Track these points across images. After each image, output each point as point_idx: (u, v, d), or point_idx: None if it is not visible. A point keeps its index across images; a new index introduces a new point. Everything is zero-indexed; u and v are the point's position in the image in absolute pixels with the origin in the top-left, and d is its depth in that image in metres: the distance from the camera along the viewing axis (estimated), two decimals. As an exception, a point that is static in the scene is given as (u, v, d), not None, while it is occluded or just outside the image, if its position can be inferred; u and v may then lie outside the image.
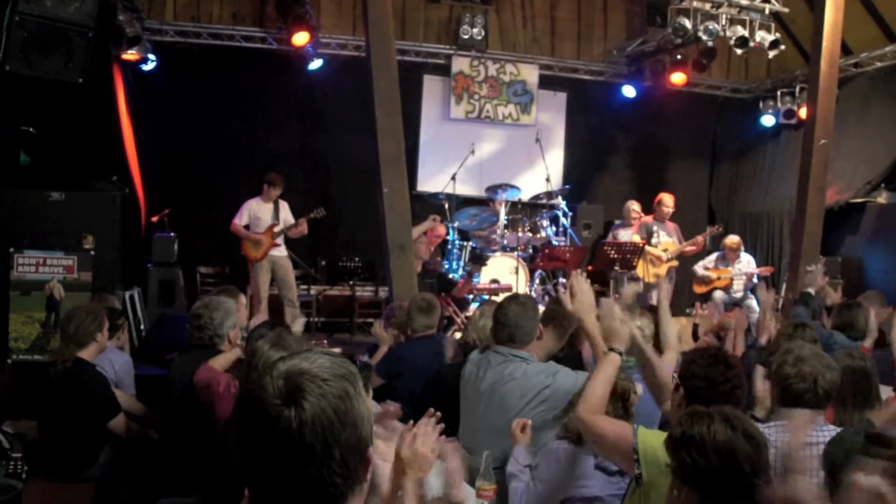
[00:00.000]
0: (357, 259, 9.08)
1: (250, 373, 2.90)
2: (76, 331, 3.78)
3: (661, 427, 2.79)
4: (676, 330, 4.50)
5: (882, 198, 9.12)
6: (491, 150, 9.97)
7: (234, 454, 1.20)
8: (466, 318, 6.65)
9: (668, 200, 8.78)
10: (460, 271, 8.31)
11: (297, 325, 4.50)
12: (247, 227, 7.74)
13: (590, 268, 8.45)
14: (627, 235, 8.78)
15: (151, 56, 8.54)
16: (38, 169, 6.69)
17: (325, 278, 9.27)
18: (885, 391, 3.38)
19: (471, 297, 7.71)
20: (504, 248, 8.41)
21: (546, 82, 10.24)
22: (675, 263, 8.64)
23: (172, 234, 8.01)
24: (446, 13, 9.87)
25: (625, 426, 2.48)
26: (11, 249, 5.58)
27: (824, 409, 2.68)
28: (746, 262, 8.68)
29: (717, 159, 11.34)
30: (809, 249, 7.46)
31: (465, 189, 9.33)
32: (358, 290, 8.97)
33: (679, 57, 9.72)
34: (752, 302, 8.14)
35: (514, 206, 9.13)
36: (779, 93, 10.22)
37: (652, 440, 2.31)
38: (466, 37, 9.64)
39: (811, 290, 5.18)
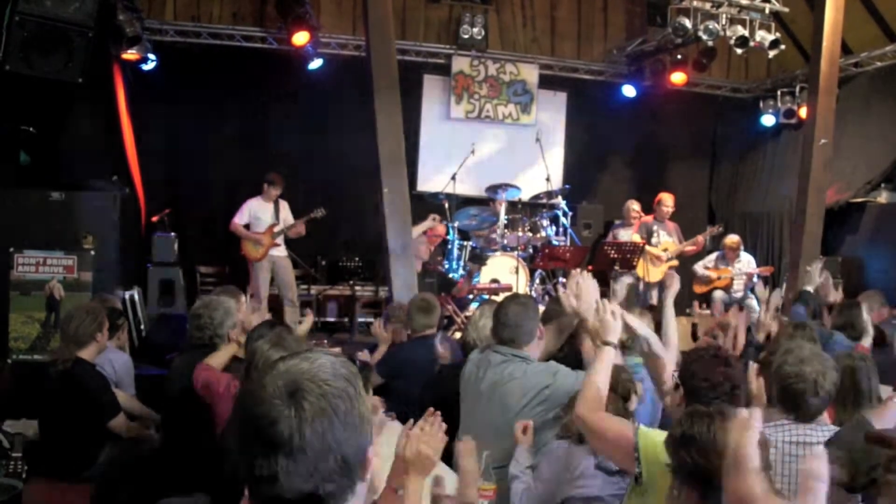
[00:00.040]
0: (357, 259, 9.08)
1: (250, 373, 2.90)
2: (76, 331, 3.79)
3: (662, 427, 2.79)
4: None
5: (882, 198, 9.12)
6: (491, 149, 9.97)
7: (234, 454, 1.20)
8: (466, 317, 6.66)
9: (667, 200, 8.77)
10: (460, 271, 8.31)
11: (306, 323, 4.50)
12: (247, 226, 7.73)
13: (590, 268, 8.44)
14: (627, 235, 8.78)
15: (151, 56, 8.54)
16: (38, 169, 6.69)
17: (325, 278, 9.27)
18: (886, 391, 3.37)
19: (471, 296, 7.71)
20: (504, 248, 8.41)
21: (546, 82, 10.23)
22: (675, 263, 8.64)
23: (172, 234, 8.02)
24: (446, 13, 9.87)
25: (626, 424, 2.47)
26: (11, 249, 5.58)
27: (824, 409, 2.68)
28: (746, 262, 8.68)
29: (717, 159, 11.33)
30: (809, 249, 7.47)
31: (465, 189, 9.33)
32: (358, 290, 8.97)
33: (679, 57, 9.72)
34: (753, 302, 8.14)
35: (514, 206, 9.13)
36: (779, 93, 10.22)
37: (653, 439, 2.31)
38: (466, 36, 9.64)
39: (809, 289, 5.18)
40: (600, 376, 2.56)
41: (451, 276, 8.09)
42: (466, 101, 9.97)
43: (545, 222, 8.76)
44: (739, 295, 8.48)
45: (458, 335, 5.50)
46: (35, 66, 5.89)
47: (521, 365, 3.24)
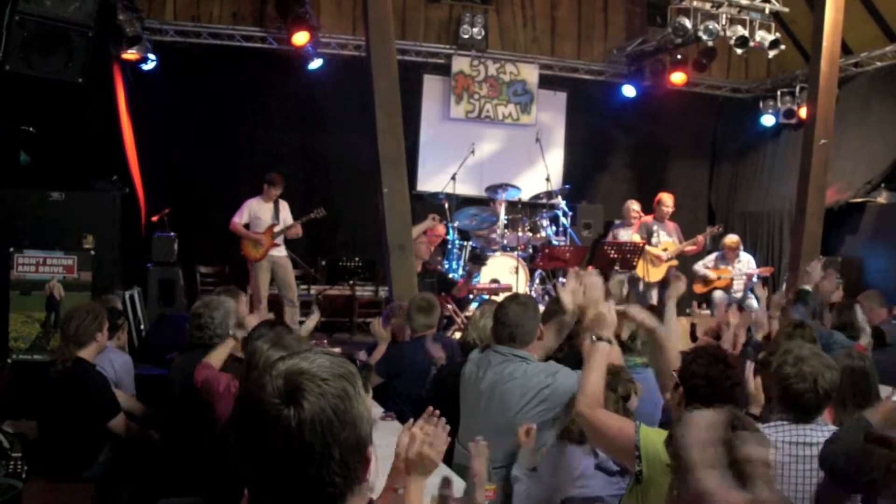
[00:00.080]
0: (357, 259, 9.08)
1: (250, 372, 2.90)
2: (76, 331, 3.78)
3: (662, 426, 2.79)
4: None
5: (882, 198, 9.12)
6: (491, 149, 9.97)
7: (234, 454, 1.20)
8: (466, 317, 6.65)
9: (667, 200, 8.78)
10: (460, 271, 8.31)
11: (312, 320, 4.50)
12: (246, 225, 7.73)
13: (589, 267, 8.44)
14: (627, 235, 8.78)
15: (151, 56, 8.54)
16: (38, 169, 6.69)
17: (325, 278, 9.27)
18: (886, 391, 3.37)
19: (471, 296, 7.71)
20: (504, 248, 8.41)
21: (546, 82, 10.24)
22: (674, 263, 8.64)
23: (172, 233, 8.01)
24: (446, 13, 9.87)
25: (627, 422, 2.47)
26: (11, 249, 5.58)
27: (823, 409, 2.68)
28: (746, 262, 8.68)
29: (717, 159, 11.34)
30: (809, 249, 7.46)
31: (465, 189, 9.33)
32: (358, 290, 8.97)
33: (679, 57, 9.72)
34: (753, 302, 8.14)
35: (514, 206, 9.13)
36: (779, 93, 10.22)
37: (654, 438, 2.31)
38: (466, 36, 9.64)
39: (808, 288, 5.17)
40: (595, 371, 2.55)
41: (451, 276, 8.09)
42: (466, 101, 9.97)
43: (545, 222, 8.76)
44: (739, 295, 8.48)
45: (458, 335, 5.50)
46: (35, 66, 5.89)
47: (521, 365, 3.25)
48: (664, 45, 9.61)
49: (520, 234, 8.40)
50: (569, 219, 9.13)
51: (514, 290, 7.78)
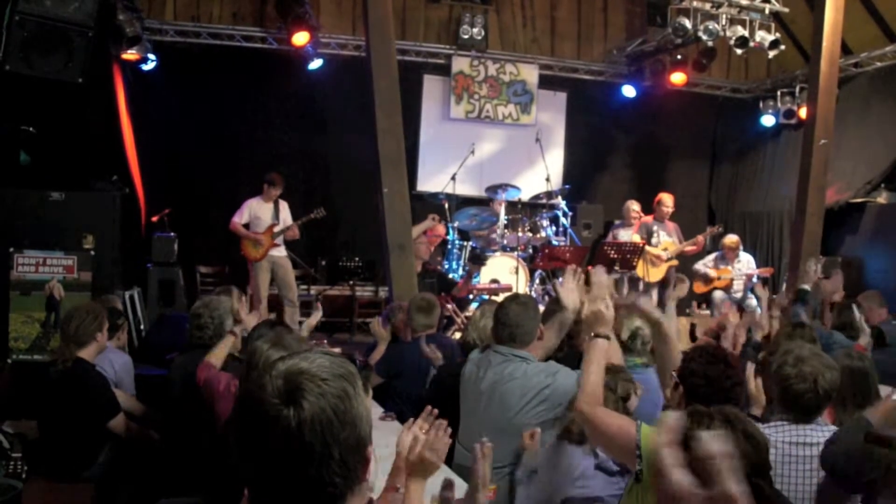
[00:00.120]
0: (357, 259, 9.08)
1: (250, 372, 2.90)
2: (76, 331, 3.78)
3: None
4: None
5: (882, 198, 9.12)
6: (491, 150, 9.98)
7: (234, 454, 1.20)
8: (466, 318, 6.65)
9: (667, 200, 8.78)
10: (460, 271, 8.31)
11: (313, 318, 4.49)
12: (246, 225, 7.74)
13: (589, 268, 8.44)
14: (627, 235, 8.78)
15: (151, 56, 8.54)
16: (38, 169, 6.69)
17: (325, 278, 9.27)
18: (886, 391, 3.37)
19: (471, 296, 7.70)
20: (504, 248, 8.41)
21: (546, 82, 10.24)
22: (674, 263, 8.65)
23: (172, 233, 8.01)
24: (446, 13, 9.87)
25: (627, 421, 2.46)
26: (11, 249, 5.57)
27: (823, 409, 2.68)
28: (746, 262, 8.68)
29: (717, 159, 11.34)
30: (809, 249, 7.46)
31: (465, 189, 9.34)
32: (358, 290, 8.98)
33: (679, 57, 9.72)
34: (753, 302, 8.14)
35: (514, 206, 9.13)
36: (779, 93, 10.22)
37: (655, 438, 2.31)
38: (466, 37, 9.64)
39: (807, 287, 5.17)
40: (594, 369, 2.54)
41: (451, 276, 8.09)
42: (466, 102, 9.97)
43: (545, 222, 8.76)
44: (739, 295, 8.48)
45: (458, 335, 5.50)
46: (35, 66, 5.89)
47: (521, 365, 3.25)
48: (664, 45, 9.61)
49: (520, 234, 8.40)
50: (569, 219, 9.13)
51: (514, 290, 7.78)
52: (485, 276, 8.13)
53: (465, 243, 8.61)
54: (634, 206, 9.03)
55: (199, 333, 3.82)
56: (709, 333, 5.34)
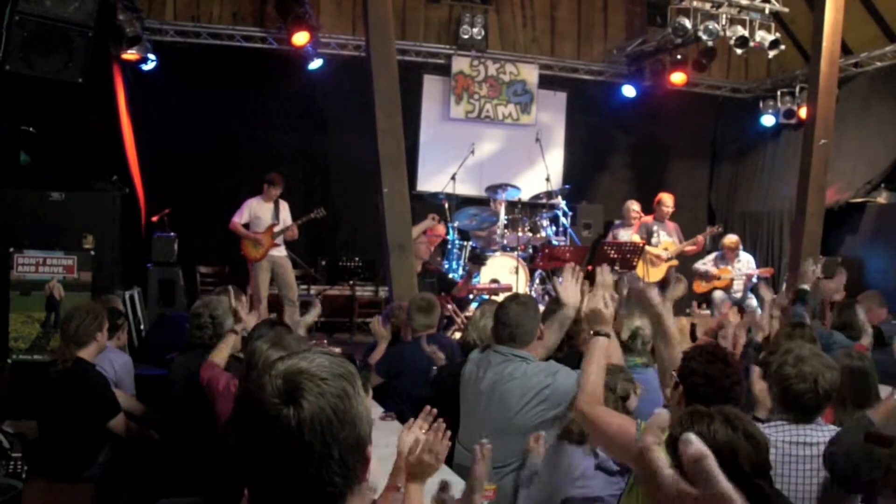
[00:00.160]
0: (357, 259, 9.08)
1: (249, 372, 2.90)
2: (76, 331, 3.78)
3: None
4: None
5: (882, 198, 9.12)
6: (491, 149, 9.98)
7: (234, 454, 1.20)
8: (466, 317, 6.65)
9: (667, 200, 8.78)
10: (460, 271, 8.31)
11: (312, 314, 4.47)
12: (246, 225, 7.74)
13: (589, 268, 8.44)
14: (627, 235, 8.78)
15: (151, 56, 8.54)
16: (38, 169, 6.69)
17: (325, 278, 9.27)
18: (886, 391, 3.37)
19: (471, 296, 7.70)
20: (504, 248, 8.41)
21: (546, 82, 10.24)
22: (674, 263, 8.65)
23: (172, 233, 8.01)
24: (446, 13, 9.87)
25: (627, 420, 2.46)
26: (11, 249, 5.57)
27: (824, 409, 2.68)
28: (746, 262, 8.69)
29: (717, 159, 11.34)
30: (809, 249, 7.46)
31: (465, 189, 9.34)
32: (358, 290, 8.98)
33: (679, 57, 9.72)
34: (753, 302, 8.14)
35: (514, 206, 9.13)
36: (779, 93, 10.23)
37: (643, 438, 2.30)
38: (466, 37, 9.64)
39: (807, 287, 5.17)
40: (594, 367, 2.54)
41: (451, 276, 8.09)
42: (466, 102, 9.97)
43: (545, 222, 8.76)
44: (739, 295, 8.48)
45: (458, 335, 5.50)
46: (35, 66, 5.89)
47: (521, 364, 3.25)
48: (664, 45, 9.61)
49: (520, 234, 8.40)
50: (569, 219, 9.13)
51: (514, 290, 7.78)
52: (485, 276, 8.13)
53: (465, 243, 8.61)
54: (634, 205, 9.03)
55: (199, 333, 3.82)
56: (709, 333, 5.34)
